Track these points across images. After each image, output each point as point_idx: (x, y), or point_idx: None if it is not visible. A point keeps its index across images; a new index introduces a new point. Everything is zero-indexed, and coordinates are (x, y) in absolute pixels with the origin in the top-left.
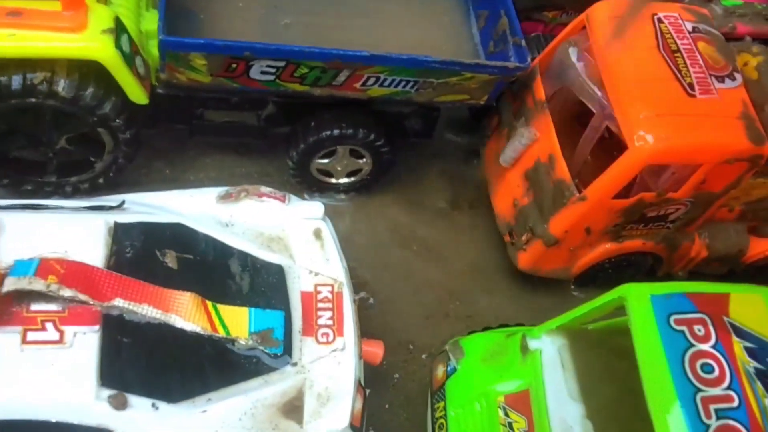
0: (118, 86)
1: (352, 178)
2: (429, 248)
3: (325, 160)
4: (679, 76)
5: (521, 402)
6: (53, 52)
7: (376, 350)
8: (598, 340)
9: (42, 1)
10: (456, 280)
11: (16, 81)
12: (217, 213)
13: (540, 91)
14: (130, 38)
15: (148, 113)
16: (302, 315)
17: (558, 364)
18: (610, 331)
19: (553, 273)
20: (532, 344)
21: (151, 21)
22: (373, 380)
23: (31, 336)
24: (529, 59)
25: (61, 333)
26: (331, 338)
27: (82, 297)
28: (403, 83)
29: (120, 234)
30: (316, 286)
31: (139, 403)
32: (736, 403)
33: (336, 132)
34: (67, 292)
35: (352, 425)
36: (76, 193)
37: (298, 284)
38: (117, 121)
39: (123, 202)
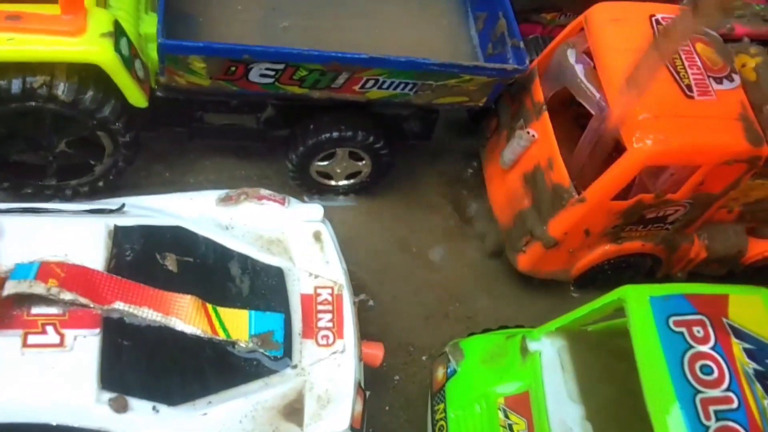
0: (117, 89)
1: (352, 180)
2: (428, 250)
3: (325, 163)
4: (677, 77)
5: (521, 404)
6: (53, 56)
7: (376, 352)
8: (598, 341)
9: (41, 5)
10: (455, 282)
11: (16, 85)
12: (217, 216)
13: (538, 92)
14: (129, 41)
15: (148, 116)
16: (302, 317)
17: (558, 365)
18: (610, 333)
19: (553, 274)
20: (532, 346)
21: (150, 24)
22: (373, 382)
23: (32, 339)
24: (527, 61)
25: (62, 336)
26: (331, 340)
27: (83, 300)
28: (401, 85)
29: (120, 237)
30: (315, 288)
31: (139, 406)
32: (735, 405)
33: (335, 134)
34: (67, 296)
35: (352, 427)
36: (75, 196)
37: (297, 287)
38: (116, 124)
39: (123, 206)
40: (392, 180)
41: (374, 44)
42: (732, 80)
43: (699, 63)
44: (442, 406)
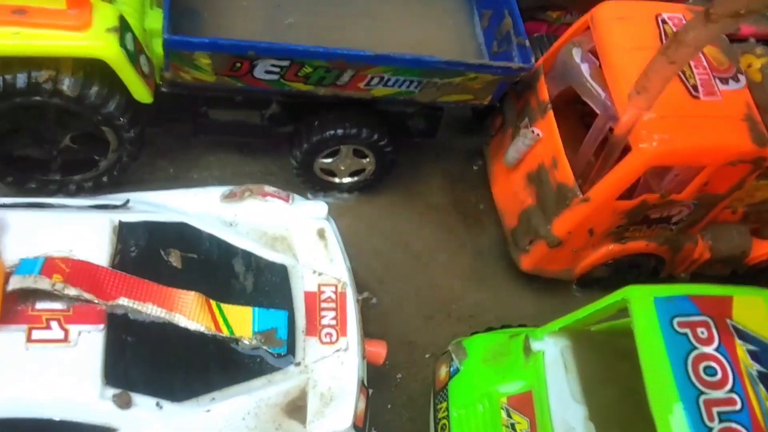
0: (122, 85)
1: (356, 178)
2: (432, 248)
3: (329, 160)
4: (683, 77)
5: (524, 403)
6: (58, 51)
7: (379, 350)
8: (601, 341)
9: (47, 0)
10: (459, 280)
11: (21, 79)
12: (221, 212)
13: (543, 91)
14: (134, 37)
15: (153, 112)
16: (306, 315)
17: (561, 365)
18: (613, 333)
19: (556, 274)
20: (535, 345)
21: (155, 19)
22: (375, 380)
23: (36, 334)
24: (532, 60)
25: (66, 332)
26: (334, 338)
27: (87, 296)
28: (406, 83)
29: (125, 233)
30: (319, 286)
31: (143, 402)
32: (738, 406)
33: (339, 131)
34: (72, 291)
35: (355, 425)
36: (80, 191)
37: (301, 284)
38: (121, 119)
39: (128, 201)
40: (396, 177)
41: (379, 41)
42: (738, 81)
43: (705, 63)
44: (444, 404)
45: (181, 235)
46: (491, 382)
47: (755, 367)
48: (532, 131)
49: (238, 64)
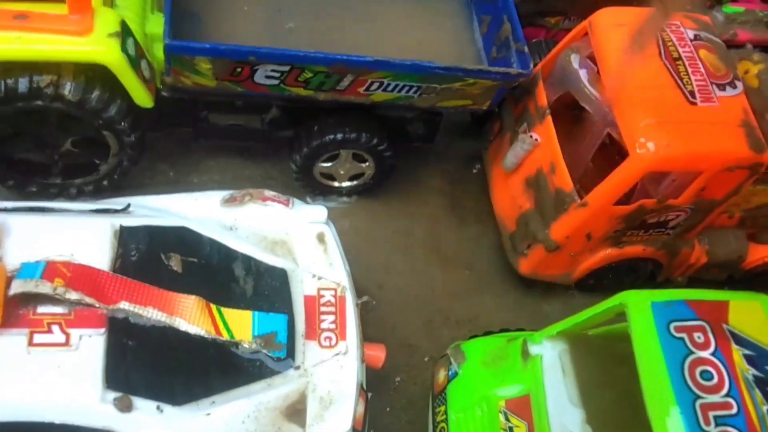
0: (123, 89)
1: (355, 182)
2: (431, 252)
3: (328, 164)
4: (680, 83)
5: (522, 407)
6: (59, 56)
7: (378, 354)
8: (599, 345)
9: (49, 5)
10: (458, 284)
11: (23, 84)
12: (222, 216)
13: (542, 96)
14: (135, 42)
15: (153, 116)
16: (305, 319)
17: (558, 369)
18: (611, 337)
19: (554, 278)
20: (533, 349)
21: (156, 24)
22: (375, 383)
23: (38, 338)
24: (531, 65)
25: (67, 335)
26: (333, 342)
27: (88, 300)
28: (406, 88)
29: (125, 237)
30: (319, 290)
31: (143, 406)
32: (734, 410)
33: (339, 136)
34: (73, 295)
35: (354, 429)
36: (80, 195)
37: (301, 288)
38: (122, 124)
39: (128, 206)
40: (395, 182)
41: (379, 47)
42: (735, 87)
43: (702, 69)
44: (443, 408)
45: (182, 239)
46: (489, 385)
47: (751, 372)
48: (531, 136)
49: (239, 69)
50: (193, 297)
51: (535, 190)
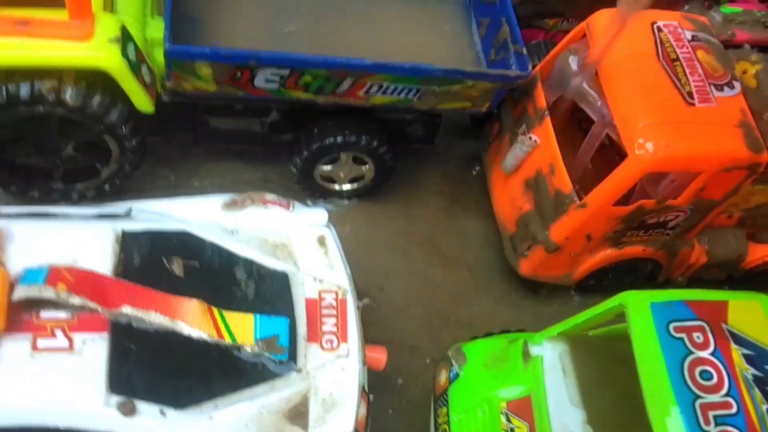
0: (124, 94)
1: (355, 185)
2: (431, 254)
3: (328, 167)
4: (678, 84)
5: (523, 408)
6: (61, 62)
7: (380, 356)
8: (599, 346)
9: (50, 11)
10: (458, 286)
11: (24, 90)
12: (223, 220)
13: (541, 98)
14: (136, 47)
15: (154, 121)
16: (307, 322)
17: (559, 370)
18: (611, 338)
19: (554, 279)
20: (534, 350)
21: (156, 29)
22: (376, 386)
23: (42, 343)
24: (530, 67)
25: (71, 340)
26: (335, 345)
27: (91, 304)
28: (405, 91)
29: (128, 242)
30: (320, 292)
31: (147, 410)
32: (734, 410)
33: (339, 139)
34: (76, 300)
35: (356, 431)
36: (82, 199)
37: (302, 291)
38: (123, 128)
39: (130, 210)
40: (395, 184)
41: (378, 50)
42: (733, 87)
43: (700, 70)
44: (445, 409)
45: (183, 243)
46: (491, 387)
47: (750, 371)
48: (530, 138)
49: (239, 74)
50: (195, 301)
51: (534, 191)
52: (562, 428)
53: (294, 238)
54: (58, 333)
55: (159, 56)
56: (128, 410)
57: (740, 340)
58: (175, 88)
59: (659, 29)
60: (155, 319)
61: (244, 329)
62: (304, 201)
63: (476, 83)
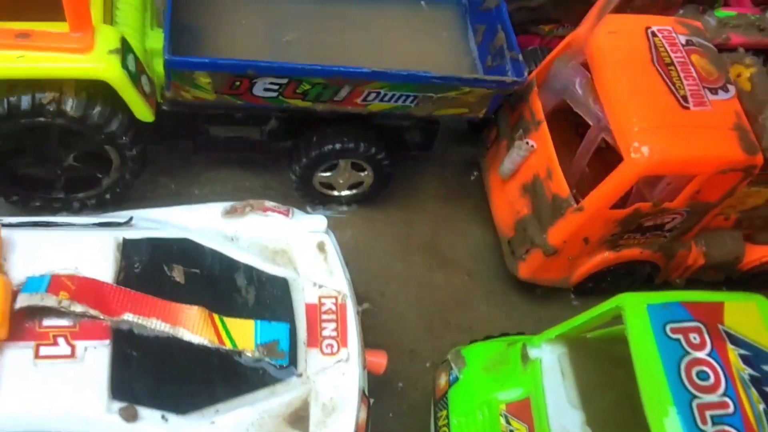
0: (124, 104)
1: (354, 191)
2: (430, 259)
3: (327, 174)
4: (673, 88)
5: (522, 410)
6: (61, 73)
7: (380, 360)
8: (597, 348)
9: (50, 23)
10: (457, 290)
11: (26, 101)
12: (223, 227)
13: (537, 104)
14: (135, 57)
15: (154, 130)
16: (307, 327)
17: (558, 372)
18: (609, 340)
19: (553, 282)
20: (533, 353)
21: (155, 39)
22: (376, 389)
23: (44, 351)
24: (526, 73)
25: (73, 347)
26: (335, 349)
27: (93, 312)
28: (403, 98)
29: (129, 250)
30: (320, 298)
31: (149, 415)
32: (731, 410)
33: (337, 146)
34: (78, 308)
35: None
36: (83, 209)
37: (302, 296)
38: (124, 138)
39: (131, 219)
40: (394, 190)
41: (376, 57)
42: (727, 91)
43: (695, 74)
44: (444, 412)
45: (184, 250)
46: (490, 389)
47: (747, 371)
48: (527, 143)
49: (238, 83)
50: (195, 307)
51: (532, 195)
52: (561, 430)
53: (294, 244)
54: (61, 341)
55: (158, 66)
56: (130, 416)
57: (736, 341)
58: (175, 98)
59: (653, 34)
60: (156, 325)
61: (244, 335)
62: (303, 208)
63: (473, 90)
